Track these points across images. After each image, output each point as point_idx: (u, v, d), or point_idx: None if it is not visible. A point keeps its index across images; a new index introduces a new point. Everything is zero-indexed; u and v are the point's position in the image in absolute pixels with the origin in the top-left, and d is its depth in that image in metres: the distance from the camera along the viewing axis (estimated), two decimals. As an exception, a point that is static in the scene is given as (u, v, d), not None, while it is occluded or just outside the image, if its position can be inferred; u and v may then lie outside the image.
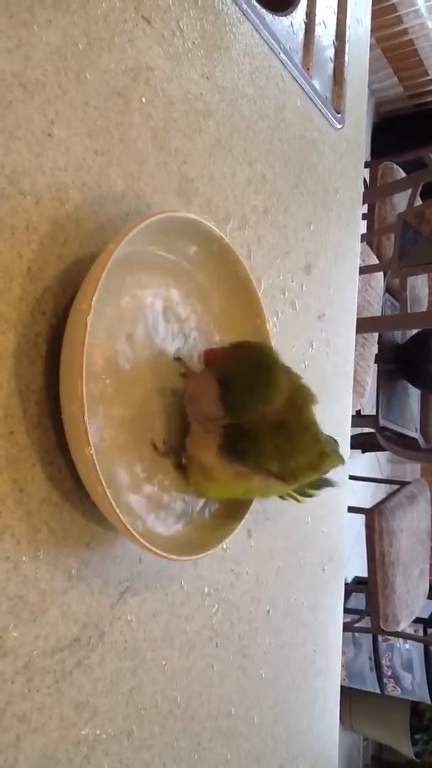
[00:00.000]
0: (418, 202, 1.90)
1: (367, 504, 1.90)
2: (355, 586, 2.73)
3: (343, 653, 2.51)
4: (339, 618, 0.84)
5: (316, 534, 0.78)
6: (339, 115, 0.85)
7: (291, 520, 0.73)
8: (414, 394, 2.28)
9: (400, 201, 2.03)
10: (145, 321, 0.50)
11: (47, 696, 0.42)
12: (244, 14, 0.65)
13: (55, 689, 0.43)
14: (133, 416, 0.48)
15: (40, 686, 0.42)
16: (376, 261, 1.97)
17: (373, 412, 2.04)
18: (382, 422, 2.03)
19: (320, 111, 0.81)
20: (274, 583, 0.69)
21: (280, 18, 0.73)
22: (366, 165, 2.16)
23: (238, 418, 0.47)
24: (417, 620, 2.30)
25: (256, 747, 0.65)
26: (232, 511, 0.55)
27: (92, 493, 0.43)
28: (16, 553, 0.40)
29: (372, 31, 2.81)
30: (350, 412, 0.90)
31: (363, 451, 3.02)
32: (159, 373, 0.51)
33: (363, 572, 1.89)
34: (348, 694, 2.75)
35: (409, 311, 1.90)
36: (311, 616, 0.77)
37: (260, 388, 0.47)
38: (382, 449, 2.27)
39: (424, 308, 2.31)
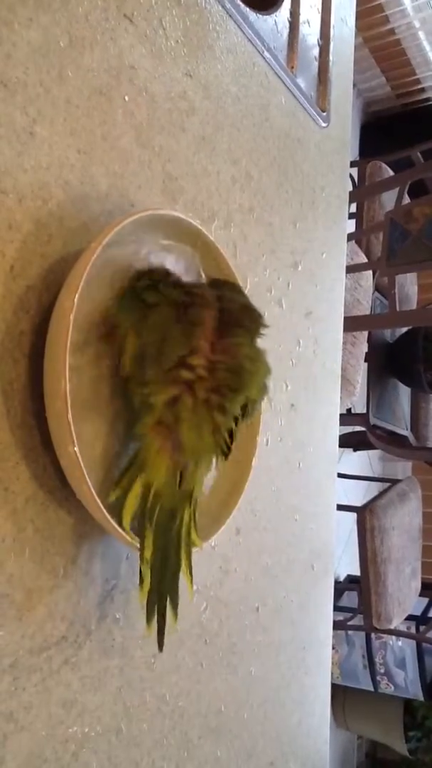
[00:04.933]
0: (406, 200, 1.91)
1: (358, 502, 1.90)
2: (347, 584, 2.74)
3: (337, 651, 2.52)
4: (329, 615, 0.84)
5: (305, 531, 0.78)
6: (324, 114, 0.85)
7: (279, 517, 0.73)
8: (404, 392, 2.29)
9: (389, 200, 2.04)
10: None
11: (34, 694, 0.42)
12: (227, 13, 0.66)
13: (43, 687, 0.43)
14: (120, 411, 0.48)
15: (27, 685, 0.42)
16: (365, 260, 1.98)
17: (364, 411, 2.04)
18: (373, 420, 2.04)
19: (305, 109, 0.81)
20: (263, 580, 0.69)
21: (264, 17, 0.73)
22: (354, 164, 2.17)
23: None
24: (409, 617, 2.30)
25: (246, 744, 0.65)
26: (220, 508, 0.56)
27: (77, 492, 0.43)
28: (1, 552, 0.40)
29: (359, 30, 2.80)
30: (338, 411, 0.90)
31: (354, 450, 3.02)
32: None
33: (356, 570, 1.90)
34: (342, 693, 2.75)
35: (398, 310, 1.91)
36: (301, 614, 0.77)
37: None
38: (374, 447, 2.28)
39: (414, 307, 2.32)
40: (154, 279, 0.47)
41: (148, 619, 0.43)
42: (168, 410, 0.44)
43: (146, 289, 0.46)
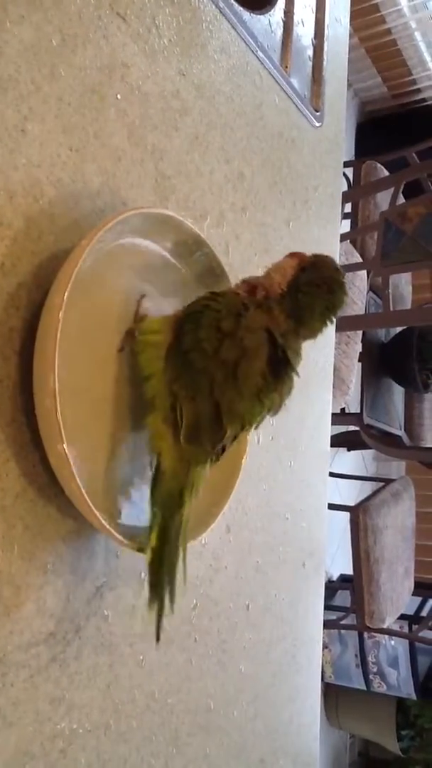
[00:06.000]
0: (401, 200, 1.91)
1: (352, 502, 1.90)
2: (341, 583, 2.74)
3: (330, 651, 2.52)
4: (319, 613, 0.85)
5: (297, 529, 0.79)
6: (318, 113, 0.86)
7: (270, 515, 0.73)
8: (398, 392, 2.29)
9: (384, 200, 2.04)
10: (120, 315, 0.50)
11: (22, 691, 0.42)
12: (220, 12, 0.66)
13: (30, 684, 0.43)
14: (110, 408, 0.49)
15: (15, 681, 0.42)
16: (359, 259, 1.98)
17: (358, 410, 2.05)
18: (367, 420, 2.04)
19: (299, 109, 0.81)
20: (254, 578, 0.69)
21: (258, 16, 0.73)
22: (350, 164, 2.17)
23: (298, 309, 0.48)
24: (402, 617, 2.30)
25: (236, 741, 0.66)
26: (210, 506, 0.56)
27: (67, 489, 0.43)
28: (-11, 548, 0.40)
29: (355, 31, 2.80)
30: (330, 410, 0.90)
31: (348, 449, 3.03)
32: (134, 364, 0.51)
33: (349, 570, 1.90)
34: (335, 692, 2.76)
35: (392, 309, 1.91)
36: (291, 612, 0.77)
37: (329, 305, 0.49)
38: (368, 447, 2.28)
39: (408, 306, 2.32)
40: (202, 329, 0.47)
41: (151, 603, 0.45)
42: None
43: (194, 350, 0.46)
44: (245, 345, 0.46)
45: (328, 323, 0.50)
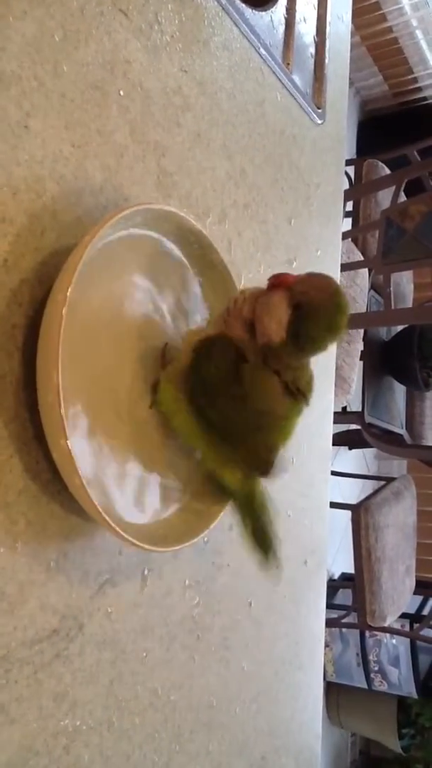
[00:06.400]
0: (403, 198, 1.91)
1: (354, 500, 1.91)
2: (342, 582, 2.74)
3: (331, 649, 2.52)
4: (322, 611, 0.85)
5: (298, 527, 0.79)
6: (320, 111, 0.86)
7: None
8: (399, 390, 2.29)
9: (385, 198, 2.04)
10: (122, 312, 0.50)
11: (26, 687, 0.42)
12: (223, 9, 0.66)
13: (34, 680, 0.43)
14: (112, 404, 0.49)
15: (19, 677, 0.42)
16: (361, 258, 1.98)
17: (359, 409, 2.05)
18: (368, 419, 2.04)
19: (301, 106, 0.81)
20: (256, 575, 0.69)
21: (260, 13, 0.73)
22: (351, 162, 2.17)
23: (302, 350, 0.47)
24: (403, 615, 2.30)
25: (238, 738, 0.66)
26: (212, 503, 0.56)
27: (69, 485, 0.43)
28: (-8, 544, 0.40)
29: (356, 29, 2.79)
30: (332, 408, 0.90)
31: (350, 448, 3.03)
32: (137, 361, 0.51)
33: (350, 568, 1.90)
34: (336, 690, 2.76)
35: (393, 308, 1.91)
36: (294, 609, 0.77)
37: (334, 324, 0.45)
38: (369, 446, 2.28)
39: (409, 305, 2.32)
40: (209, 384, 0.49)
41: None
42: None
43: (222, 420, 0.50)
44: (265, 403, 0.49)
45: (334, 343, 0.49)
